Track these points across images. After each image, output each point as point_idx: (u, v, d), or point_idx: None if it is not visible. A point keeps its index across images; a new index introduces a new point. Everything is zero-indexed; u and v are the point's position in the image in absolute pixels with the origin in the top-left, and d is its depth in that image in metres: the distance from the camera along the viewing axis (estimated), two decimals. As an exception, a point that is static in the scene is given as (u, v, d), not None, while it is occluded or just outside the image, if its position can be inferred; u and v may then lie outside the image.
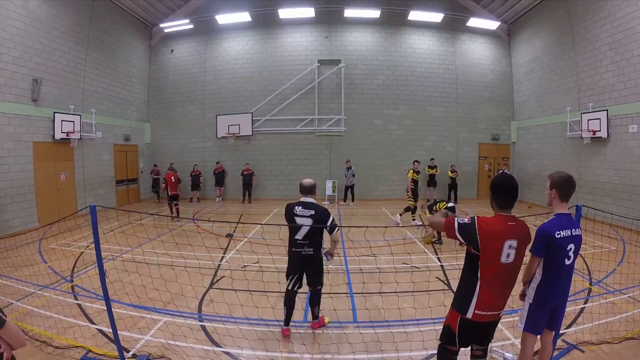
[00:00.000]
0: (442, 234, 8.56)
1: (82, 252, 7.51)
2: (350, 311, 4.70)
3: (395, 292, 4.58)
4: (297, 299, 4.11)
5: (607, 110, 10.60)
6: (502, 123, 16.22)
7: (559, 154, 13.10)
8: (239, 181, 15.39)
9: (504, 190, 2.51)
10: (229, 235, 8.73)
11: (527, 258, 2.69)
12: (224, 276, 6.03)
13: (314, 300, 4.18)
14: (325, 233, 4.01)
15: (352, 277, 6.03)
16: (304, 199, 4.02)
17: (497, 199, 2.52)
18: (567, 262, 2.73)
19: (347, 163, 14.82)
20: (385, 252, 6.95)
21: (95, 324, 4.36)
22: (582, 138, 11.50)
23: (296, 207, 3.96)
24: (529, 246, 2.62)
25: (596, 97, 11.24)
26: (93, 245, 3.47)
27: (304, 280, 4.09)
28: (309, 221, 3.86)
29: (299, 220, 3.89)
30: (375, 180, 15.86)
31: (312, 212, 3.91)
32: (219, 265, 6.65)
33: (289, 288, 4.02)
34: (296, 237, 3.92)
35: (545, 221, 2.75)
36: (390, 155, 15.77)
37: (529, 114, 15.07)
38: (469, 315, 2.47)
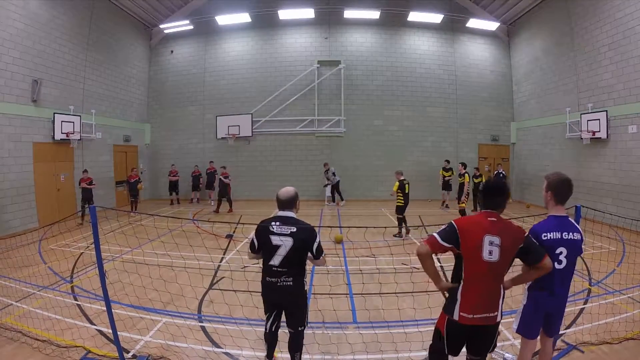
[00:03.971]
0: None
1: (81, 253, 7.51)
2: (349, 312, 4.71)
3: (395, 293, 4.58)
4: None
5: (606, 111, 10.62)
6: (501, 124, 16.23)
7: (559, 155, 13.11)
8: (216, 184, 13.74)
9: (487, 191, 2.60)
10: (229, 236, 8.73)
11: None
12: (223, 277, 6.03)
13: (294, 345, 3.25)
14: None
15: (352, 278, 6.03)
16: (281, 213, 3.13)
17: (482, 199, 2.60)
18: (558, 266, 2.63)
19: (325, 166, 14.62)
20: (384, 252, 6.95)
21: (95, 325, 4.37)
22: (581, 139, 11.50)
23: (273, 223, 3.05)
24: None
25: (596, 97, 11.26)
26: (93, 245, 3.47)
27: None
28: (288, 241, 2.97)
29: (275, 239, 2.99)
30: (375, 181, 15.83)
31: (293, 229, 3.00)
32: (219, 265, 6.66)
33: (267, 330, 3.21)
34: (271, 262, 3.03)
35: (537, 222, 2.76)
36: (390, 156, 15.75)
37: (529, 114, 15.08)
38: (455, 317, 2.42)
